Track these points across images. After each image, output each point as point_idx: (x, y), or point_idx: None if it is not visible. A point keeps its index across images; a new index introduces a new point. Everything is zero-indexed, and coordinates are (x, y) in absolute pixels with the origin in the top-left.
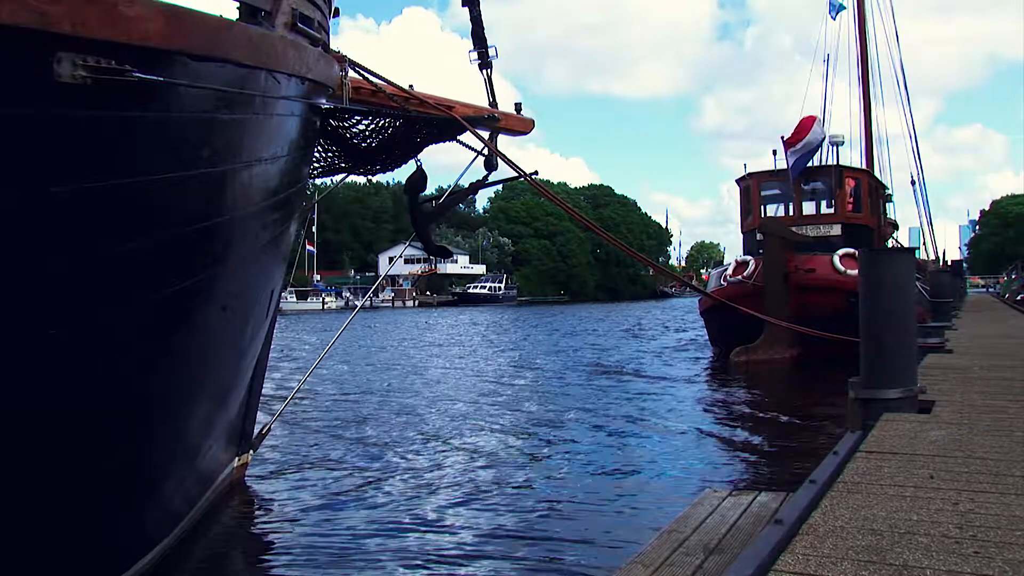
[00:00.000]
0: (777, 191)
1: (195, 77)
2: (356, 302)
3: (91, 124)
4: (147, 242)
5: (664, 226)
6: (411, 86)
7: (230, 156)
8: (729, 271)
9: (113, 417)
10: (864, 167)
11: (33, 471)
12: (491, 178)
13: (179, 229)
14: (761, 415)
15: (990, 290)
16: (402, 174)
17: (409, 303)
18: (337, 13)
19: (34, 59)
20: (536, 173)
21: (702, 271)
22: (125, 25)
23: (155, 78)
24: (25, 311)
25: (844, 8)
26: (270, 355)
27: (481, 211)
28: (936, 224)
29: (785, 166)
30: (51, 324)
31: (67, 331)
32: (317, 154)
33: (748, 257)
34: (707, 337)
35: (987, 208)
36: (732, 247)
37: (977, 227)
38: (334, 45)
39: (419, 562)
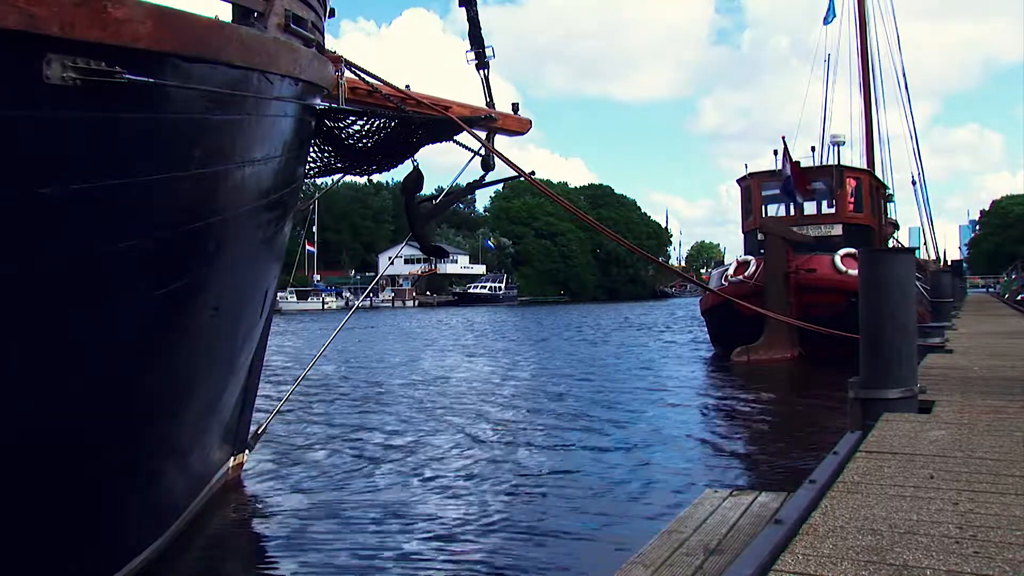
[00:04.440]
0: (777, 191)
1: (186, 78)
2: (356, 302)
3: (81, 125)
4: (139, 243)
5: (664, 226)
6: (407, 86)
7: (222, 157)
8: (730, 271)
9: (106, 417)
10: (865, 167)
11: (24, 471)
12: (488, 178)
13: (171, 230)
14: (761, 415)
15: (990, 290)
16: (402, 174)
17: (409, 303)
18: (333, 14)
19: (23, 61)
20: (533, 173)
21: (702, 271)
22: (114, 27)
23: (145, 79)
24: (14, 312)
25: (834, 17)
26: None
27: (482, 211)
28: (936, 224)
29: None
30: (41, 324)
31: (58, 331)
32: (313, 154)
33: (749, 257)
34: (707, 336)
35: (986, 208)
36: (732, 247)
37: (977, 227)
38: (333, 47)
39: (416, 561)
